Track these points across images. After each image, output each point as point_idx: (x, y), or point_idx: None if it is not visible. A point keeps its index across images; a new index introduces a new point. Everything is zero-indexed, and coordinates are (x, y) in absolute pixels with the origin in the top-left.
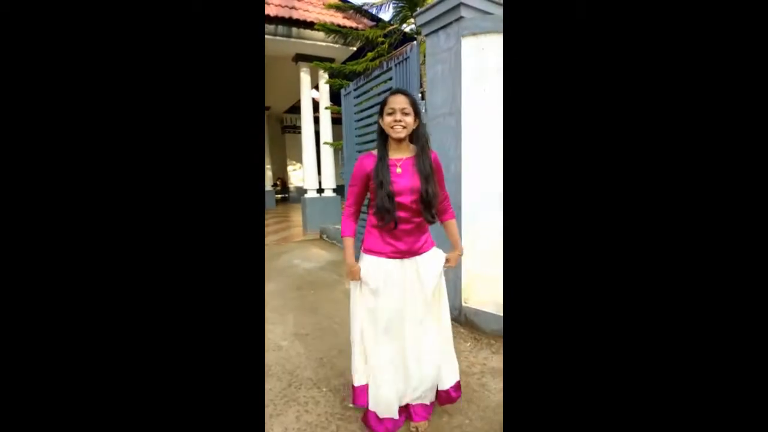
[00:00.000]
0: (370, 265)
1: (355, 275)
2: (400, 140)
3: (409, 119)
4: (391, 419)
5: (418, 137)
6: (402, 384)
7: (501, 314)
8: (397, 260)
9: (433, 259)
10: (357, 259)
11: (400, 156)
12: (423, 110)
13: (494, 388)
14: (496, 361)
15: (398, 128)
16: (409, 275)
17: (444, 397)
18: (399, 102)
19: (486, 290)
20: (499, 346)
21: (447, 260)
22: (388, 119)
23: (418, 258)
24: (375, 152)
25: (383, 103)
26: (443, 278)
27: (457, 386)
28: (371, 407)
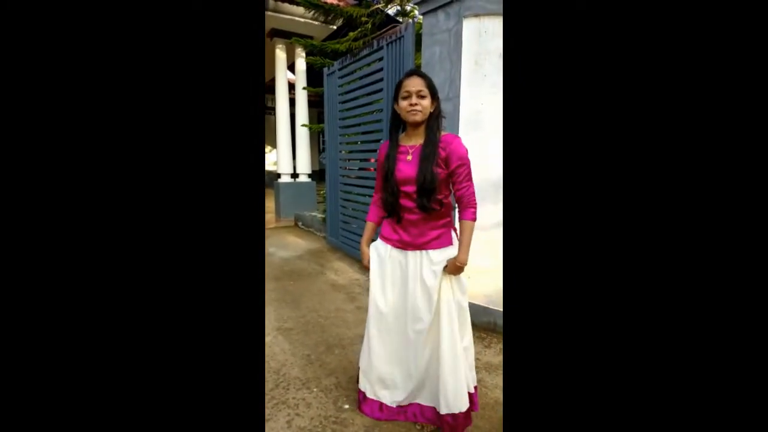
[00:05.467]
0: (377, 250)
1: (364, 260)
2: (416, 124)
3: (426, 102)
4: (378, 403)
5: (430, 121)
6: (399, 380)
7: (491, 307)
8: (401, 251)
9: (440, 256)
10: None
11: (414, 143)
12: None
13: (491, 384)
14: (490, 356)
15: (414, 112)
16: (412, 269)
17: (450, 424)
18: (415, 84)
19: (477, 283)
20: (490, 339)
21: (445, 266)
22: (403, 103)
23: (423, 252)
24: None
25: (398, 87)
26: (459, 285)
27: (468, 414)
28: (362, 386)
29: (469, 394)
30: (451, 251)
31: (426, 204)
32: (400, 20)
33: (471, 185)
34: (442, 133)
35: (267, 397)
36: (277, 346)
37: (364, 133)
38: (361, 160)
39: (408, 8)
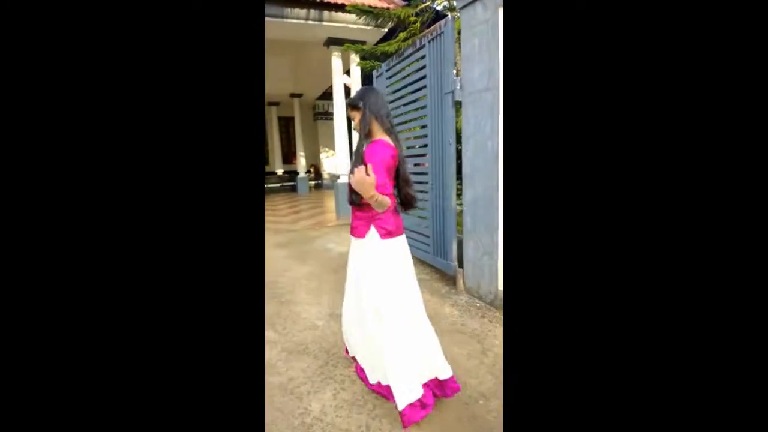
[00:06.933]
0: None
1: None
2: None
3: (356, 121)
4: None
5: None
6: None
7: None
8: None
9: (363, 242)
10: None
11: None
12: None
13: None
14: None
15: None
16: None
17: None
18: (347, 111)
19: None
20: None
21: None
22: None
23: (352, 238)
24: (388, 141)
25: None
26: (376, 273)
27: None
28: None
29: (435, 384)
30: (366, 244)
31: (352, 198)
32: (449, 15)
33: (379, 177)
34: (374, 139)
35: (317, 373)
36: (328, 330)
37: (409, 130)
38: (406, 156)
39: (455, 3)
